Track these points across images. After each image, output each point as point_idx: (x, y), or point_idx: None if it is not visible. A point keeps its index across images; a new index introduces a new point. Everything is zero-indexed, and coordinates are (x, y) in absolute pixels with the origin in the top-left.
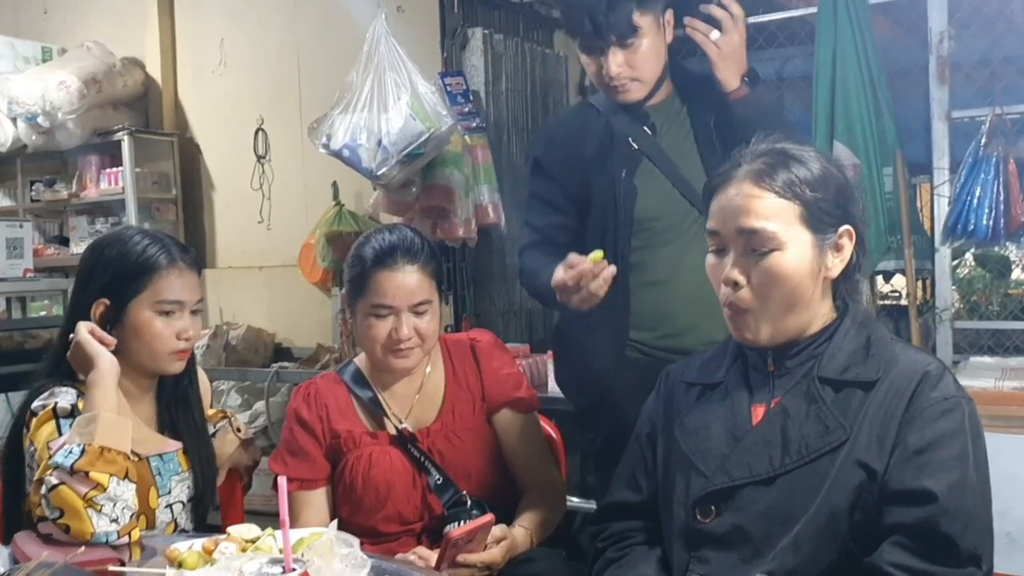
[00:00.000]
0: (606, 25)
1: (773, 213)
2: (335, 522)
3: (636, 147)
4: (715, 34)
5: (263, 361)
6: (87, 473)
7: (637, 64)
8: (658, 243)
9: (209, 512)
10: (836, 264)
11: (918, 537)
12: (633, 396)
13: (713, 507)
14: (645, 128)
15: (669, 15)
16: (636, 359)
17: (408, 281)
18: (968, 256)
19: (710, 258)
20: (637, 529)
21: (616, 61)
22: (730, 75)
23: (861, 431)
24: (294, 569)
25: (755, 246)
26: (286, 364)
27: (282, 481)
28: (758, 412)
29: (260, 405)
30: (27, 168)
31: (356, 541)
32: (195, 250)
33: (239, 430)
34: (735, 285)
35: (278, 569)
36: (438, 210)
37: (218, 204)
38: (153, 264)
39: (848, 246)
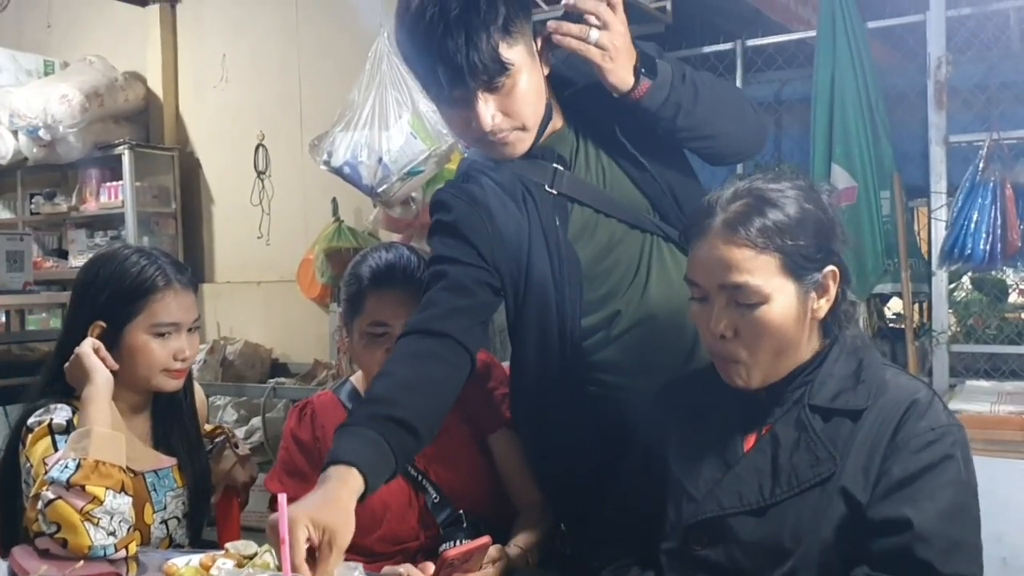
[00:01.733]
0: (468, 67)
1: (754, 267)
2: None
3: (556, 192)
4: (594, 34)
5: (260, 377)
6: (83, 487)
7: (515, 109)
8: (619, 284)
9: (204, 528)
10: (823, 305)
11: (895, 565)
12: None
13: (705, 535)
14: (555, 166)
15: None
16: (619, 399)
17: (405, 301)
18: (965, 280)
19: (693, 305)
20: (632, 552)
21: (487, 111)
22: (624, 74)
23: (848, 461)
24: None
25: (740, 300)
26: (283, 380)
27: (282, 499)
28: (749, 439)
29: (256, 421)
30: (27, 181)
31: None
32: (190, 269)
33: (236, 446)
34: (722, 337)
35: None
36: None
37: (217, 219)
38: (149, 287)
39: (833, 287)
